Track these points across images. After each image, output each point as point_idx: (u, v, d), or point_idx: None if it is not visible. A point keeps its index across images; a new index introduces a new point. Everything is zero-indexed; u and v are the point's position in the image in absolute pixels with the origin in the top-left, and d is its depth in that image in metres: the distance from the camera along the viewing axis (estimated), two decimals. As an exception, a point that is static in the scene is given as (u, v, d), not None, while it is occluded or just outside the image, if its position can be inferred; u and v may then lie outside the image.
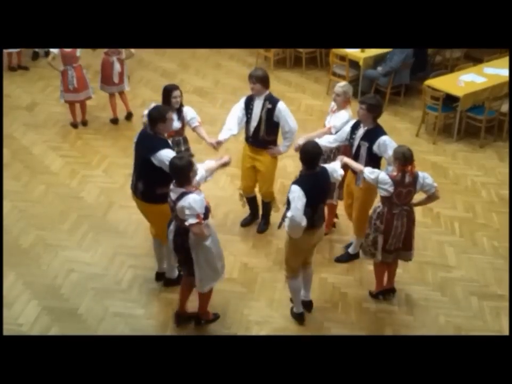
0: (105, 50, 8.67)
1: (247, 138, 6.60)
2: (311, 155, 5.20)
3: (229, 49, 11.66)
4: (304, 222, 5.16)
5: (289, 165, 8.13)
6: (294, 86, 10.37)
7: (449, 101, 8.69)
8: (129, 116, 9.17)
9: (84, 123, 8.98)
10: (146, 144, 5.54)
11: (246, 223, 7.05)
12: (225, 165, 5.69)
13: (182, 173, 4.96)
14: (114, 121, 9.13)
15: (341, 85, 6.45)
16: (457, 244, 6.88)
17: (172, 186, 5.08)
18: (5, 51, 10.39)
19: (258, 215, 7.06)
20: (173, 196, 5.04)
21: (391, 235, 5.62)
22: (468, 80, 8.86)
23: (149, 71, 10.69)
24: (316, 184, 5.23)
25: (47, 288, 6.11)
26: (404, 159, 5.40)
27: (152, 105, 6.55)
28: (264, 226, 6.99)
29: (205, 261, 5.24)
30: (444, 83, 8.82)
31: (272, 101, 6.34)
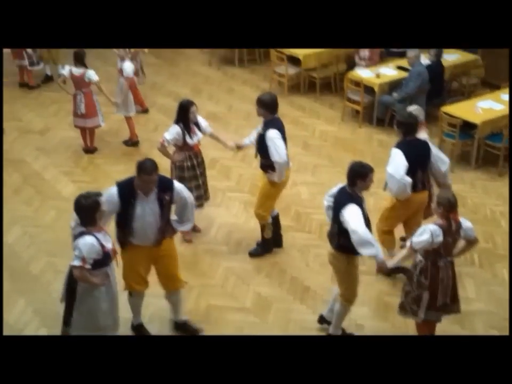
0: (135, 71, 8.71)
1: None
2: (349, 171, 5.23)
3: (242, 74, 11.65)
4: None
5: (303, 192, 8.03)
6: (308, 112, 10.29)
7: (467, 128, 8.57)
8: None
9: (91, 150, 8.89)
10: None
11: (254, 253, 6.85)
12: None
13: (86, 212, 4.77)
14: (136, 143, 9.09)
15: (409, 108, 6.67)
16: (476, 275, 6.70)
17: (73, 223, 4.91)
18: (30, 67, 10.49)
19: (277, 241, 6.94)
20: (73, 233, 4.90)
21: (438, 290, 5.22)
22: (486, 107, 8.74)
23: (162, 96, 10.66)
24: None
25: (57, 316, 5.91)
26: (449, 205, 5.04)
27: (175, 127, 6.61)
28: (260, 249, 6.83)
29: (87, 310, 4.96)
30: (461, 110, 8.71)
31: (266, 127, 6.27)
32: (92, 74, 8.48)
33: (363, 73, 9.79)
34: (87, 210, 4.77)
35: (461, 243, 5.39)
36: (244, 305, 6.18)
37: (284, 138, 6.34)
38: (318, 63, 10.60)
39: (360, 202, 5.22)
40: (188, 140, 6.61)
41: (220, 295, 6.16)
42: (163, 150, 6.69)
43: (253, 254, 6.82)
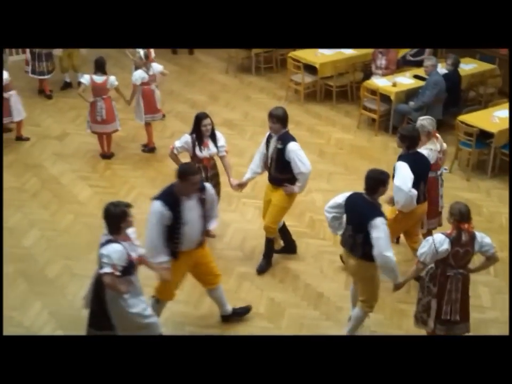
0: (145, 80, 8.69)
1: (268, 175, 6.60)
2: (372, 180, 5.28)
3: (259, 82, 11.71)
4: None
5: (318, 199, 8.03)
6: (324, 120, 10.32)
7: (483, 137, 8.54)
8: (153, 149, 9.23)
9: (108, 156, 8.98)
10: (162, 189, 5.45)
11: (261, 270, 6.75)
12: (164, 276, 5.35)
13: (113, 220, 4.84)
14: (152, 150, 9.15)
15: (420, 118, 6.68)
16: (491, 284, 6.66)
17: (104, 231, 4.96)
18: (37, 77, 10.53)
19: (291, 247, 6.96)
20: (101, 241, 4.94)
21: (444, 299, 5.21)
22: (502, 116, 8.71)
23: (178, 103, 10.73)
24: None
25: (73, 319, 6.02)
26: (460, 215, 5.06)
27: (186, 136, 6.64)
28: (265, 266, 6.74)
29: (120, 318, 5.00)
30: (478, 119, 8.68)
31: (284, 141, 6.25)
32: (114, 80, 8.66)
33: (379, 82, 9.80)
34: (114, 218, 4.84)
35: (481, 259, 5.40)
36: (257, 311, 6.19)
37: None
38: (334, 71, 10.62)
39: (382, 212, 5.33)
40: (197, 151, 6.61)
41: (234, 300, 6.17)
42: (172, 156, 6.77)
43: (262, 271, 6.74)
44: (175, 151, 6.71)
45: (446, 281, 5.20)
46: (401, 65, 10.84)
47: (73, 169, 8.69)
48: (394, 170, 6.14)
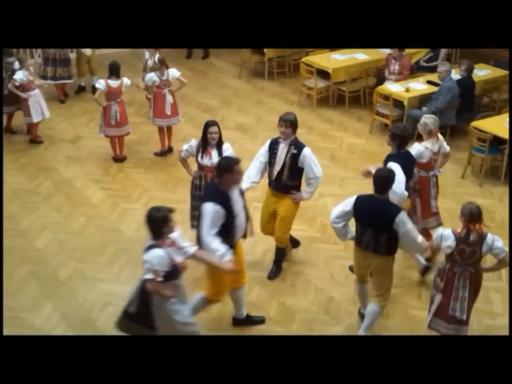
0: (157, 84, 8.77)
1: (270, 183, 6.43)
2: (384, 179, 5.38)
3: (271, 87, 11.72)
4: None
5: (330, 204, 8.00)
6: (336, 124, 10.31)
7: (496, 143, 8.49)
8: (169, 150, 9.24)
9: (121, 159, 9.03)
10: (205, 191, 5.57)
11: (273, 276, 6.72)
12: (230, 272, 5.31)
13: (155, 225, 4.81)
14: (163, 153, 9.19)
15: (425, 116, 6.68)
16: (503, 290, 6.61)
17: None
18: (53, 82, 10.61)
19: (296, 243, 6.96)
20: (145, 245, 4.92)
21: (451, 297, 5.28)
22: (516, 122, 8.66)
23: (191, 107, 10.77)
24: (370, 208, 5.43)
25: (83, 321, 6.07)
26: (470, 216, 5.14)
27: (193, 140, 6.60)
28: (276, 272, 6.73)
29: (164, 323, 4.99)
30: (491, 125, 8.64)
31: (298, 146, 6.20)
32: (127, 81, 8.78)
33: (393, 87, 9.78)
34: (156, 223, 4.81)
35: (493, 260, 5.44)
36: (268, 315, 6.18)
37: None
38: (347, 76, 10.62)
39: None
40: (199, 158, 6.51)
41: (244, 304, 6.17)
42: (180, 159, 6.73)
43: (273, 277, 6.72)
44: (182, 155, 6.68)
45: (453, 277, 5.29)
46: (415, 70, 10.82)
47: (86, 172, 8.74)
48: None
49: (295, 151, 6.18)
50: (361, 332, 5.77)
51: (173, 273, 4.87)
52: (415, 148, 6.55)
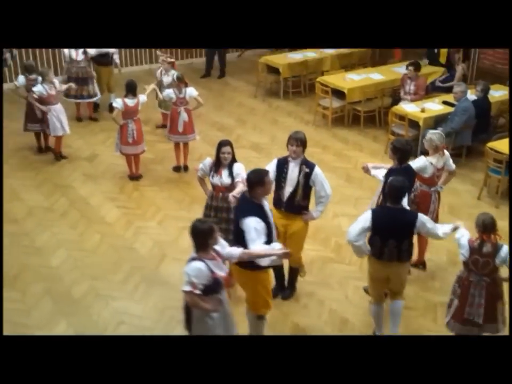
0: (174, 100, 8.86)
1: (279, 204, 6.22)
2: (399, 189, 5.51)
3: (286, 106, 11.76)
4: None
5: (344, 224, 7.96)
6: (351, 144, 10.30)
7: (513, 164, 8.43)
8: (185, 169, 9.29)
9: (137, 177, 9.07)
10: (239, 207, 5.51)
11: (287, 297, 6.66)
12: (285, 256, 5.30)
13: (200, 237, 4.75)
14: (177, 169, 9.25)
15: (431, 132, 6.79)
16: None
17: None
18: (73, 101, 10.73)
19: (285, 286, 6.72)
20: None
21: (467, 303, 5.38)
22: (533, 143, 8.60)
23: (206, 125, 10.82)
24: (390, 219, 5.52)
25: (96, 339, 6.06)
26: (483, 226, 5.22)
27: (208, 159, 6.61)
28: (290, 292, 6.68)
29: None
30: (507, 146, 8.57)
31: (309, 165, 6.15)
32: (143, 98, 8.87)
33: (408, 107, 9.76)
34: (201, 235, 4.75)
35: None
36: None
37: None
38: (362, 96, 10.63)
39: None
40: (210, 177, 6.49)
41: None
42: (198, 178, 6.67)
43: (287, 298, 6.67)
44: (199, 173, 6.64)
45: (469, 285, 5.40)
46: (430, 91, 10.81)
47: (101, 190, 8.79)
48: (385, 184, 6.11)
49: (307, 170, 6.12)
50: (393, 331, 5.89)
51: (214, 287, 4.80)
52: (419, 161, 6.64)
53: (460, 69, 10.81)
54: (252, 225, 5.20)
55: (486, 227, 5.23)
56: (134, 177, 9.05)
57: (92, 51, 10.58)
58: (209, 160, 6.57)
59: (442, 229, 5.68)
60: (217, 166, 6.45)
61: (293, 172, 6.14)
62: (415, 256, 6.86)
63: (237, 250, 5.04)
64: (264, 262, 5.23)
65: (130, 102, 8.71)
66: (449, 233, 5.69)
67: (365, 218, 5.56)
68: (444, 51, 11.08)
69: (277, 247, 5.23)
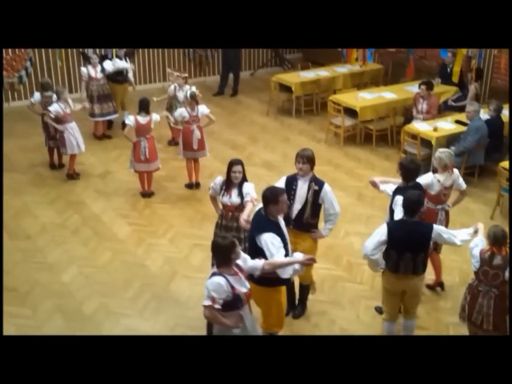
0: (187, 119, 8.93)
1: (288, 222, 6.00)
2: (415, 203, 5.57)
3: (298, 124, 11.79)
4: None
5: (356, 242, 7.95)
6: (363, 163, 10.29)
7: (526, 183, 8.38)
8: (197, 185, 9.33)
9: (149, 194, 9.10)
10: (255, 224, 5.49)
11: (298, 315, 6.62)
12: (310, 261, 5.29)
13: (222, 253, 4.76)
14: (190, 186, 9.29)
15: (440, 150, 6.79)
16: None
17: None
18: (100, 119, 10.87)
19: (295, 304, 6.68)
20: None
21: (474, 310, 5.47)
22: (546, 163, 8.55)
23: (219, 143, 10.87)
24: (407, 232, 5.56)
25: (106, 357, 6.05)
26: (494, 239, 5.29)
27: (219, 178, 6.60)
28: (302, 311, 6.64)
29: None
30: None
31: (318, 182, 6.13)
32: (156, 117, 8.90)
33: (420, 126, 9.75)
34: (224, 251, 4.76)
35: None
36: (292, 355, 6.11)
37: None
38: (374, 115, 10.64)
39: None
40: (220, 196, 6.46)
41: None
42: (210, 196, 6.63)
43: (299, 316, 6.63)
44: (210, 192, 6.61)
45: (478, 294, 5.44)
46: (443, 110, 10.80)
47: (113, 207, 8.83)
48: (392, 201, 6.20)
49: (316, 188, 6.10)
50: None
51: (234, 302, 4.78)
52: (426, 178, 6.65)
53: (472, 88, 10.80)
54: (269, 240, 5.21)
55: (497, 239, 5.26)
56: (146, 194, 9.09)
57: (109, 68, 10.69)
58: (220, 179, 6.54)
59: (460, 236, 5.65)
60: (227, 185, 6.41)
61: (302, 189, 6.13)
62: (431, 277, 6.84)
63: (259, 262, 5.04)
64: (286, 273, 5.20)
65: (142, 119, 8.76)
66: (467, 239, 5.69)
67: (381, 232, 5.58)
68: (456, 70, 11.06)
69: (298, 256, 5.21)
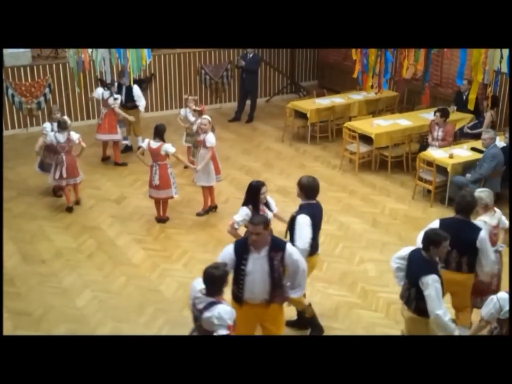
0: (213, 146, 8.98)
1: (317, 248, 6.44)
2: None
3: (313, 151, 11.80)
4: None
5: (371, 269, 7.92)
6: (378, 189, 10.26)
7: (543, 211, 8.29)
8: (215, 208, 9.39)
9: (163, 220, 9.11)
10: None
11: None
12: None
13: (218, 282, 4.86)
14: (207, 211, 9.30)
15: (479, 190, 6.61)
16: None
17: (199, 294, 4.92)
18: (99, 139, 10.96)
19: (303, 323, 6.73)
20: (199, 305, 4.87)
21: None
22: None
23: (234, 169, 10.91)
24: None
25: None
26: None
27: (244, 209, 6.46)
28: (315, 332, 6.62)
29: None
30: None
31: (300, 211, 6.25)
32: (168, 147, 8.77)
33: (436, 153, 9.73)
34: (219, 281, 4.87)
35: None
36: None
37: (315, 225, 6.25)
38: (390, 142, 10.63)
39: (437, 269, 5.42)
40: None
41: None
42: (233, 232, 6.49)
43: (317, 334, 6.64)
44: (236, 226, 6.48)
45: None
46: (459, 137, 10.78)
47: (128, 232, 8.86)
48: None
49: (294, 214, 6.37)
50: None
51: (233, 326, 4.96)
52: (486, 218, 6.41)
53: (488, 115, 10.78)
54: (223, 251, 5.52)
55: None
56: (161, 220, 9.11)
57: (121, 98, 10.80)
58: (246, 209, 6.46)
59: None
60: (257, 208, 6.48)
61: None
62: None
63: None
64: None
65: (153, 144, 8.81)
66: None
67: (408, 248, 5.73)
68: (472, 97, 11.01)
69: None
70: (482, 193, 6.47)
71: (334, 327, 6.81)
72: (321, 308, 6.97)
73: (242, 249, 5.42)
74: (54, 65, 12.57)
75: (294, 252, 5.54)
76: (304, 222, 6.10)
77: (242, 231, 6.47)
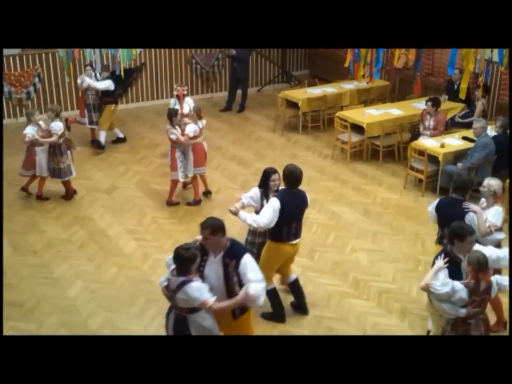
0: (197, 133, 8.99)
1: (289, 237, 6.43)
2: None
3: (305, 140, 11.79)
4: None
5: (363, 258, 7.94)
6: (370, 179, 10.27)
7: (534, 200, 8.33)
8: (209, 193, 9.42)
9: (173, 204, 9.22)
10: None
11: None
12: None
13: (184, 263, 4.97)
14: (198, 202, 9.28)
15: (488, 178, 6.69)
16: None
17: (170, 275, 5.07)
18: (89, 126, 11.02)
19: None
20: (172, 284, 5.02)
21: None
22: (554, 179, 8.51)
23: (225, 159, 10.88)
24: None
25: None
26: (478, 264, 5.12)
27: (254, 189, 6.59)
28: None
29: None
30: (528, 181, 8.50)
31: (276, 194, 6.37)
32: (170, 132, 8.90)
33: (427, 142, 9.74)
34: (187, 262, 4.97)
35: None
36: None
37: (287, 213, 6.21)
38: (381, 131, 10.63)
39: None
40: (260, 206, 6.52)
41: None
42: (234, 210, 6.26)
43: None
44: (245, 201, 6.54)
45: (468, 328, 5.27)
46: (450, 126, 10.78)
47: (120, 222, 8.83)
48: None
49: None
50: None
51: None
52: (493, 210, 6.43)
53: (479, 104, 10.79)
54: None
55: (481, 265, 5.11)
56: (171, 203, 9.22)
57: (100, 86, 10.71)
58: (255, 190, 6.59)
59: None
60: (267, 194, 6.53)
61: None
62: (493, 319, 6.38)
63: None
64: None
65: (167, 127, 8.97)
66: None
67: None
68: (463, 87, 11.03)
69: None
70: (492, 180, 6.54)
71: (326, 316, 6.83)
72: (313, 297, 6.99)
73: (203, 251, 5.18)
74: (43, 55, 12.47)
75: (249, 267, 5.12)
76: (270, 204, 6.17)
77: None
